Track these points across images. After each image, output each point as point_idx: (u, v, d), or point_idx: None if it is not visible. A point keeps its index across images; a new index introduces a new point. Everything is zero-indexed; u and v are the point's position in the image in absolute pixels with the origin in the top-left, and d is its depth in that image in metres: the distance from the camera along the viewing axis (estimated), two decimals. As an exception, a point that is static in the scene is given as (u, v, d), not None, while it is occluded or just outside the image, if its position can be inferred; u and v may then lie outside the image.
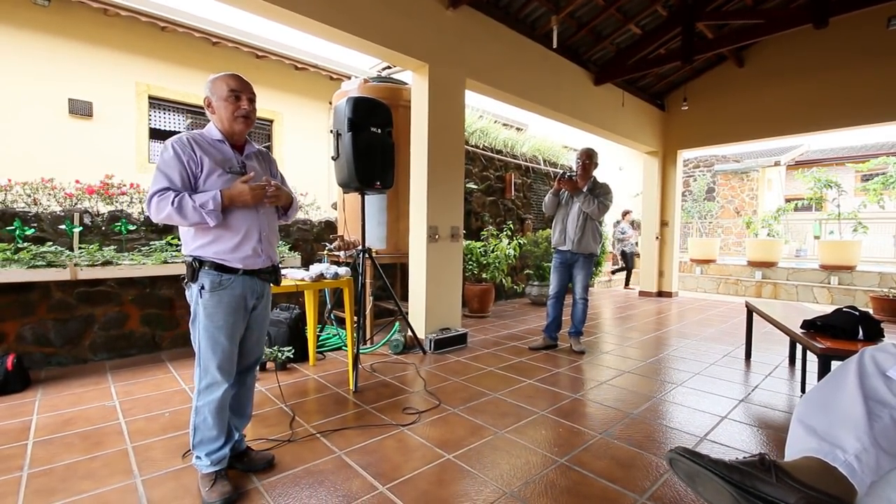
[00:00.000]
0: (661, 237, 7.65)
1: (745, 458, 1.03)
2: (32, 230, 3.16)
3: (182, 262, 3.37)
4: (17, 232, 3.08)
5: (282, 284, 2.57)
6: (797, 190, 11.19)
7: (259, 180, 1.78)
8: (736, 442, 2.25)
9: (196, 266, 1.70)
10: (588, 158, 3.87)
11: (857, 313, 2.41)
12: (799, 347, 3.42)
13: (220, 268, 1.71)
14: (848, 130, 6.07)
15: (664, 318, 5.71)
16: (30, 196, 3.60)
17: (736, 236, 11.67)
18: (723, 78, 6.82)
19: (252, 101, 1.79)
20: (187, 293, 1.75)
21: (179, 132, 2.01)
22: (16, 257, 2.94)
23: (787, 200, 11.15)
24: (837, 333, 2.40)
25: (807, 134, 6.37)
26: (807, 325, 2.57)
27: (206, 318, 1.70)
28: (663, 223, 7.67)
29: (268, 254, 1.83)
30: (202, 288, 1.69)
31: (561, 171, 3.90)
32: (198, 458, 1.74)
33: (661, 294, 7.67)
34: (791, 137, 6.85)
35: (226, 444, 1.78)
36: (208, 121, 1.82)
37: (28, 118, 4.73)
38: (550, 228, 4.40)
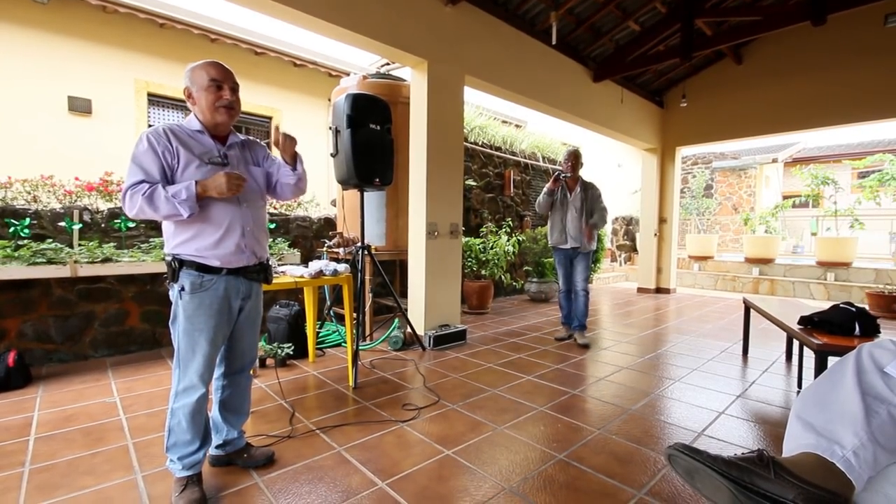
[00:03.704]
0: (659, 234, 7.67)
1: (743, 453, 1.04)
2: (27, 231, 3.14)
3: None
4: (13, 230, 3.07)
5: (282, 281, 2.59)
6: (795, 187, 11.20)
7: (242, 171, 1.74)
8: (734, 437, 2.27)
9: (176, 266, 1.63)
10: (575, 159, 4.08)
11: (853, 309, 2.43)
12: (796, 343, 3.44)
13: (201, 268, 1.64)
14: (845, 127, 6.10)
15: (662, 314, 5.74)
16: (30, 193, 3.59)
17: (734, 233, 11.70)
18: (721, 75, 6.82)
19: (234, 90, 1.71)
20: (169, 293, 1.68)
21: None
22: (16, 254, 2.93)
23: (785, 197, 11.17)
24: (834, 329, 2.41)
25: (804, 131, 6.39)
26: (804, 321, 2.59)
27: (185, 320, 1.63)
28: (662, 220, 7.69)
29: (253, 249, 1.76)
30: (182, 289, 1.63)
31: (557, 171, 4.00)
32: (171, 461, 1.68)
33: (659, 291, 7.70)
34: (788, 134, 6.88)
35: (201, 449, 1.70)
36: None
37: (28, 115, 4.71)
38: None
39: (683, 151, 7.91)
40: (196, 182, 1.58)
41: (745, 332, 3.88)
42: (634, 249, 10.09)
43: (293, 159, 1.88)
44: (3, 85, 4.59)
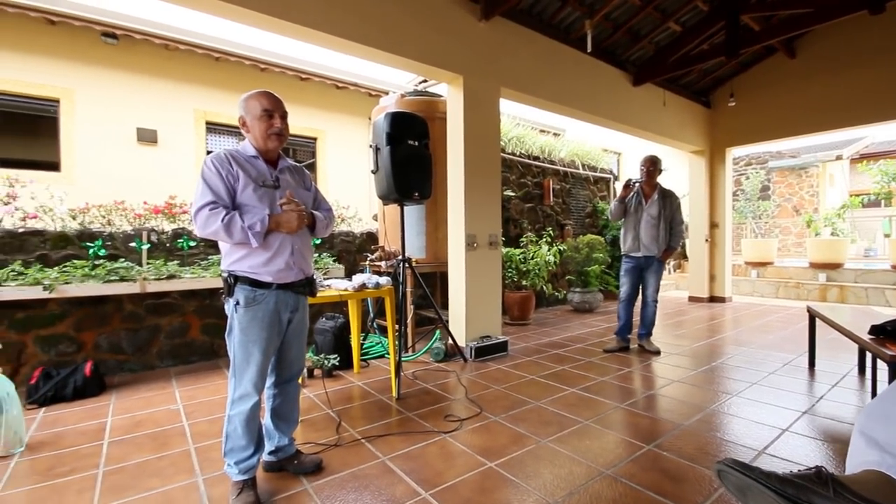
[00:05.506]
0: (710, 239, 7.30)
1: (800, 471, 0.98)
2: (104, 251, 3.47)
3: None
4: (91, 251, 3.40)
5: (327, 294, 2.70)
6: (863, 185, 10.33)
7: (293, 193, 1.85)
8: (799, 457, 2.11)
9: (231, 282, 1.75)
10: (652, 165, 4.00)
11: (934, 318, 2.22)
12: (869, 355, 3.16)
13: (254, 283, 1.75)
14: (920, 119, 5.58)
15: (717, 324, 5.43)
16: (104, 217, 3.96)
17: (795, 237, 10.92)
18: (773, 70, 6.46)
19: (284, 117, 1.85)
20: (225, 307, 1.80)
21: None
22: (93, 273, 3.24)
23: (853, 196, 10.32)
24: (912, 340, 2.21)
25: (871, 125, 5.91)
26: (875, 330, 2.39)
27: (240, 332, 1.75)
28: (713, 225, 7.32)
29: (300, 267, 1.87)
30: (237, 303, 1.75)
31: (627, 179, 4.01)
32: (228, 465, 1.79)
33: (713, 299, 7.30)
34: (854, 129, 6.37)
35: (255, 454, 1.81)
36: None
37: (103, 146, 5.22)
38: (590, 234, 4.40)
39: (735, 152, 7.51)
40: (270, 216, 1.74)
41: (810, 344, 3.61)
42: (684, 256, 9.63)
43: (311, 227, 1.95)
44: (83, 120, 5.12)
